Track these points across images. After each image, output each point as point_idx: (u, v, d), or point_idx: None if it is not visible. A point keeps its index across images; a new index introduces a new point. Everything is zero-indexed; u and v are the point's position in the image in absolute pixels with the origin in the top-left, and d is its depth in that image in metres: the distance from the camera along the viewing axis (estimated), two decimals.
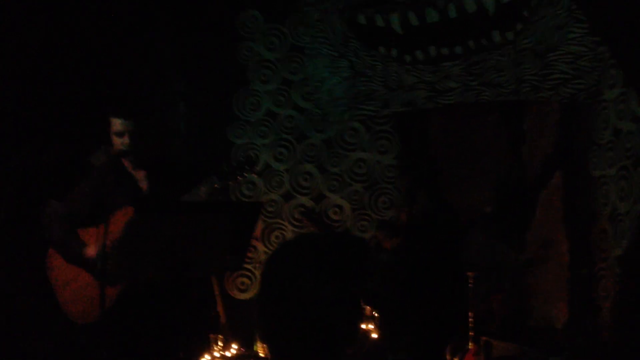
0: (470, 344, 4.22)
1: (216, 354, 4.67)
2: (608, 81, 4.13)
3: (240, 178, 3.71)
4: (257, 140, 5.43)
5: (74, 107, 4.92)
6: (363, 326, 4.39)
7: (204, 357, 4.62)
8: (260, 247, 5.36)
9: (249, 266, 5.29)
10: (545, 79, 4.47)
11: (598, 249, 4.24)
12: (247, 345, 4.89)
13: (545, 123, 4.81)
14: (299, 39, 5.36)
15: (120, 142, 3.68)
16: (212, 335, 4.70)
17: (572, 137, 4.58)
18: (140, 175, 3.80)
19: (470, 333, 4.28)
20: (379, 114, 5.26)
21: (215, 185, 3.65)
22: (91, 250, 3.60)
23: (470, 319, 4.28)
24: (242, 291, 5.38)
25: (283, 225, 5.41)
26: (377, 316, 4.30)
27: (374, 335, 4.45)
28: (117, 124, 3.68)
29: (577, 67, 4.29)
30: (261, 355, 4.68)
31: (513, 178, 5.07)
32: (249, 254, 5.16)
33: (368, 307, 4.38)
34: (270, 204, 5.40)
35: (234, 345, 4.85)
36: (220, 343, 4.70)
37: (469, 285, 4.35)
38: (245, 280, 5.35)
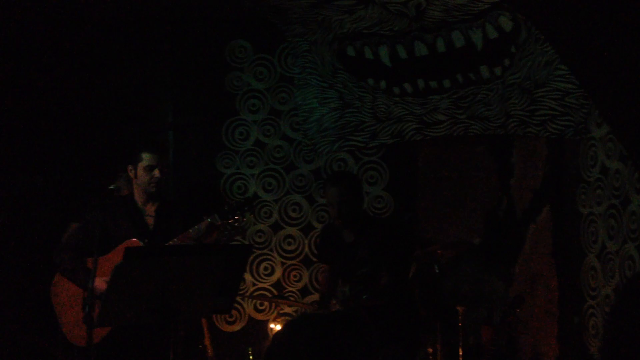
0: None
1: None
2: (596, 119, 4.16)
3: (238, 218, 3.85)
4: (246, 170, 5.43)
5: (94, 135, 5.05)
6: None
7: None
8: (249, 278, 5.33)
9: (237, 298, 5.26)
10: (533, 114, 4.49)
11: (587, 286, 4.25)
12: None
13: (533, 157, 4.83)
14: (288, 69, 5.38)
15: (149, 177, 3.84)
16: None
17: (560, 173, 4.60)
18: (148, 211, 3.91)
19: None
20: (368, 145, 5.27)
21: (217, 223, 3.82)
22: (96, 281, 3.63)
23: (460, 353, 4.27)
24: (230, 323, 5.35)
25: (272, 256, 5.39)
26: None
27: None
28: (148, 158, 3.84)
29: (564, 103, 4.32)
30: None
31: (501, 210, 5.08)
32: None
33: None
34: (259, 234, 5.38)
35: None
36: None
37: (458, 319, 4.35)
38: (234, 312, 5.31)
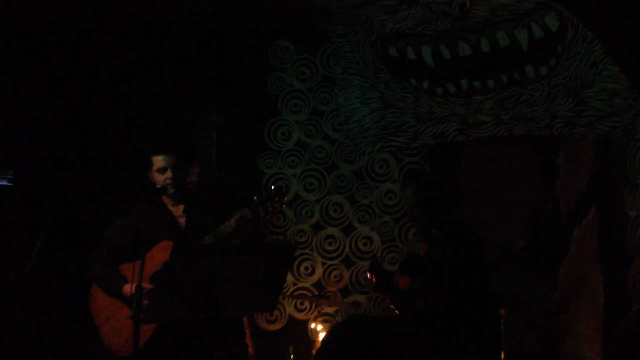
0: None
1: None
2: None
3: (270, 209, 3.70)
4: (287, 170, 5.46)
5: (117, 137, 5.07)
6: None
7: None
8: (290, 278, 5.36)
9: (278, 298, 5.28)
10: (580, 115, 4.43)
11: (634, 290, 4.17)
12: None
13: (579, 158, 4.76)
14: (330, 69, 5.39)
15: (163, 179, 3.76)
16: None
17: (606, 175, 4.52)
18: (178, 212, 3.86)
19: None
20: (410, 146, 5.25)
21: (248, 217, 3.67)
22: (129, 288, 3.65)
23: (502, 357, 4.23)
24: (271, 322, 5.38)
25: (312, 256, 5.41)
26: None
27: None
28: (159, 161, 3.77)
29: (612, 104, 4.25)
30: None
31: (546, 212, 5.01)
32: None
33: None
34: (300, 234, 5.41)
35: None
36: None
37: (501, 322, 4.30)
38: (274, 311, 5.34)
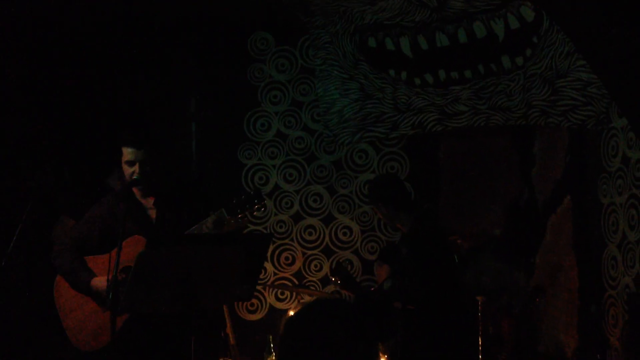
0: None
1: None
2: (617, 109, 4.13)
3: (248, 212, 3.63)
4: (267, 161, 5.48)
5: (88, 131, 4.98)
6: None
7: None
8: (270, 268, 5.39)
9: (259, 287, 5.32)
10: (555, 104, 4.48)
11: (608, 276, 4.24)
12: None
13: (554, 148, 4.82)
14: (310, 61, 5.41)
15: (131, 171, 3.67)
16: (221, 359, 4.71)
17: (581, 163, 4.58)
18: (149, 204, 3.79)
19: (480, 357, 4.29)
20: (389, 136, 5.29)
21: (225, 219, 3.59)
22: (98, 281, 3.60)
23: (479, 344, 4.29)
24: (251, 312, 5.41)
25: (292, 246, 5.44)
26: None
27: None
28: (128, 153, 3.68)
29: (586, 93, 4.30)
30: None
31: (523, 201, 5.07)
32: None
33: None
34: (280, 224, 5.43)
35: None
36: None
37: (478, 309, 4.36)
38: (255, 301, 5.38)
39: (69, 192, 4.86)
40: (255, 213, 3.69)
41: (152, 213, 3.77)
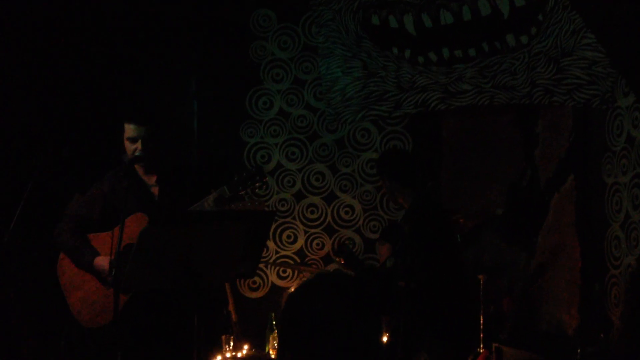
0: (481, 347, 4.24)
1: (227, 355, 4.71)
2: (622, 88, 4.11)
3: (250, 189, 3.62)
4: (269, 139, 5.46)
5: (92, 109, 4.96)
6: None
7: (215, 357, 4.66)
8: (272, 246, 5.39)
9: (261, 265, 5.32)
10: (559, 83, 4.45)
11: (610, 255, 4.23)
12: (258, 344, 4.93)
13: (558, 127, 4.79)
14: (312, 38, 5.37)
15: (133, 148, 3.64)
16: (223, 336, 4.73)
17: (585, 142, 4.56)
18: (151, 181, 3.76)
19: (480, 335, 4.29)
20: (391, 115, 5.26)
21: (227, 196, 3.59)
22: (101, 260, 3.60)
23: (481, 322, 4.29)
24: (254, 290, 5.43)
25: (294, 224, 5.43)
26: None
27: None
28: (130, 129, 3.65)
29: (591, 72, 4.27)
30: (272, 356, 4.71)
31: (525, 181, 5.06)
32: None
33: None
34: (282, 203, 5.43)
35: (245, 346, 4.89)
36: (231, 343, 4.74)
37: (480, 287, 4.36)
38: (257, 279, 5.39)
39: (76, 169, 4.84)
40: (257, 190, 3.68)
41: (155, 190, 3.75)
